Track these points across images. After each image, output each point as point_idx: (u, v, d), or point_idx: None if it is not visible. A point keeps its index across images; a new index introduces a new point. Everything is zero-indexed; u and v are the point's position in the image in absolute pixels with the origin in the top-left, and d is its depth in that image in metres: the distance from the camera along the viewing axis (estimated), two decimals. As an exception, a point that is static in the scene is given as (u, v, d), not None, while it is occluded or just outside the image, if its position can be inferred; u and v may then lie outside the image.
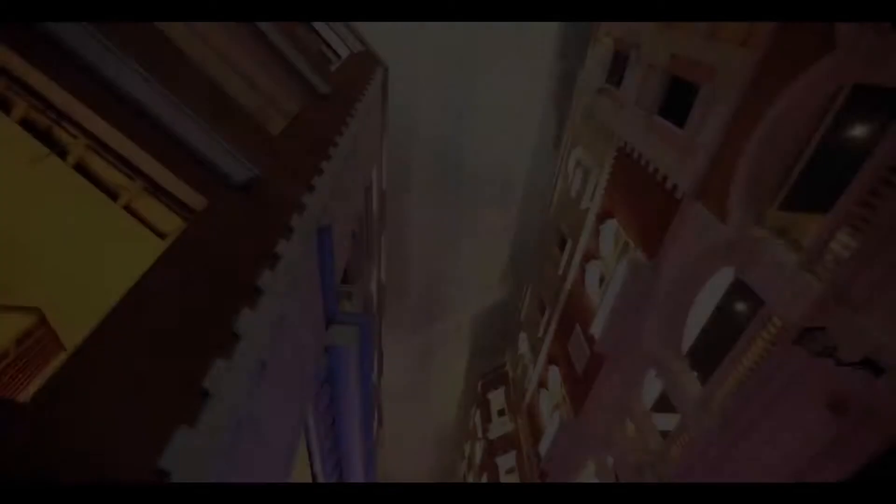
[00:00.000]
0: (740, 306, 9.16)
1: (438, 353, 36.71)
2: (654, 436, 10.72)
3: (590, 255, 14.76)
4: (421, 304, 32.60)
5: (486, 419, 25.17)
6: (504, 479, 21.70)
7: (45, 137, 3.24)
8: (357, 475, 8.07)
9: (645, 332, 10.89)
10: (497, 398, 25.59)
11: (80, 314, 4.61)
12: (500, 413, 24.81)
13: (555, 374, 17.76)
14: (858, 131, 7.51)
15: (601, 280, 14.44)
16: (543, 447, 16.88)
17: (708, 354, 10.54)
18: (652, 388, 11.17)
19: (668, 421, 11.50)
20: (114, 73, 3.30)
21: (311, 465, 6.50)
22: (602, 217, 13.83)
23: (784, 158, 8.05)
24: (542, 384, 19.09)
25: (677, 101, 10.55)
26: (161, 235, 3.73)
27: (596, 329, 12.76)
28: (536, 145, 21.50)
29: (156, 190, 3.53)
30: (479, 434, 25.81)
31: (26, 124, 3.15)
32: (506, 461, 22.33)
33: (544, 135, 20.99)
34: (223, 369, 2.89)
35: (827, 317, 6.12)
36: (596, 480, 13.94)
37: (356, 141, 8.32)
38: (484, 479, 23.45)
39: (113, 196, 3.51)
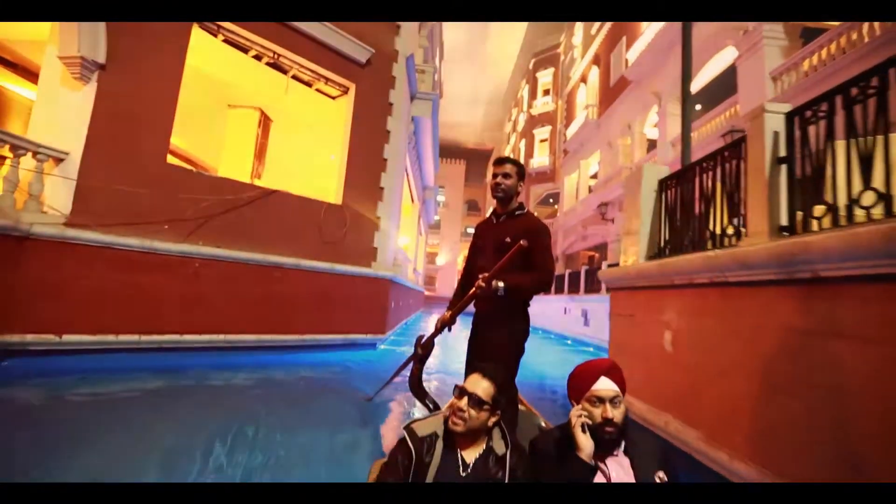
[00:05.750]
0: (729, 83, 10.77)
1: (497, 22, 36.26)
2: (640, 151, 14.66)
3: (658, -34, 13.97)
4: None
5: (533, 95, 28.62)
6: (538, 146, 27.47)
7: (276, 67, 6.28)
8: (428, 169, 13.29)
9: (662, 75, 12.83)
10: (545, 78, 28.05)
11: (278, 114, 8.52)
12: (545, 93, 27.96)
13: (594, 75, 19.81)
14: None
15: None
16: (570, 132, 21.28)
17: (699, 105, 12.93)
18: (651, 116, 14.13)
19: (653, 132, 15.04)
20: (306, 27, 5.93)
21: (408, 180, 11.48)
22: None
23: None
24: (584, 79, 21.33)
25: None
26: (332, 98, 7.09)
27: (632, 55, 14.36)
28: None
29: (328, 81, 6.69)
30: (525, 108, 29.98)
31: (269, 64, 6.17)
32: (541, 133, 27.49)
33: None
34: (385, 176, 7.18)
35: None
36: (595, 168, 19.02)
37: None
38: (522, 144, 29.49)
39: (309, 85, 6.73)
